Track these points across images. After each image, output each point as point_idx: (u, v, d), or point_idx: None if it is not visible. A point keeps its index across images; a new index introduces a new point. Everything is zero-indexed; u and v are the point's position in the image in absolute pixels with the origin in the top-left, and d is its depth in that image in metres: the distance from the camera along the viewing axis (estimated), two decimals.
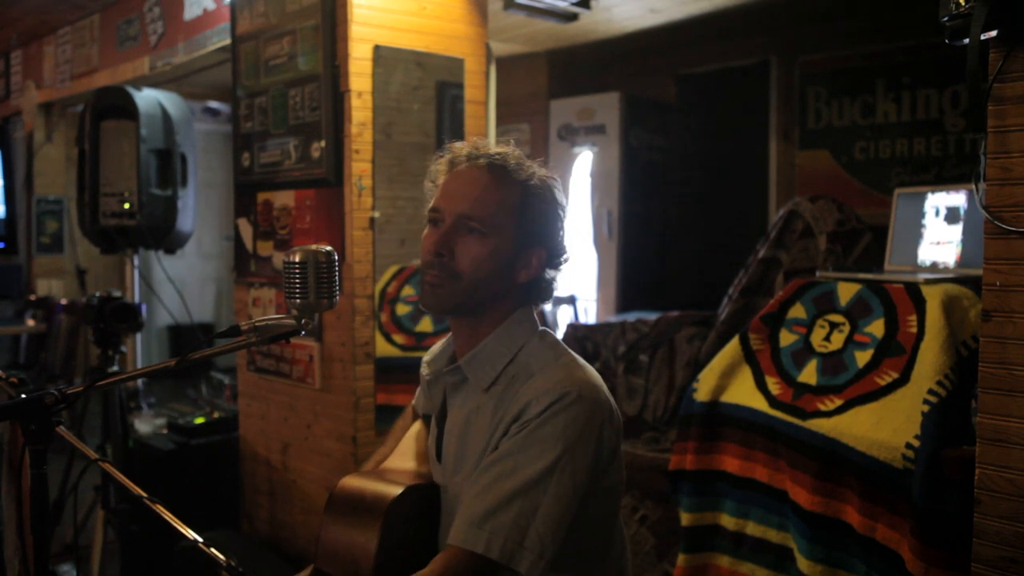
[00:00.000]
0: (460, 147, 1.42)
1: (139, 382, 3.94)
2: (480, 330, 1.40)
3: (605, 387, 1.37)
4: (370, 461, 1.64)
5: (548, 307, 5.12)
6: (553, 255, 1.41)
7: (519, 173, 1.37)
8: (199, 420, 3.49)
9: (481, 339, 1.39)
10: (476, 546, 1.21)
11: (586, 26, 4.74)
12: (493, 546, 1.21)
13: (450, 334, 1.48)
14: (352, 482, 1.43)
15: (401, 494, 1.38)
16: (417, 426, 1.63)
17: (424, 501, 1.45)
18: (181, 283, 3.92)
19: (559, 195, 1.41)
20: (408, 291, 3.04)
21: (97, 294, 3.11)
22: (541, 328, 1.44)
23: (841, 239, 2.72)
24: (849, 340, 2.13)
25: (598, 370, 1.43)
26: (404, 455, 1.57)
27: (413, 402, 1.69)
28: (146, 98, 3.45)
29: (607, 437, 1.32)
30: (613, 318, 4.26)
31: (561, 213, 1.42)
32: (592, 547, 1.37)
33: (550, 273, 1.43)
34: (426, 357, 1.58)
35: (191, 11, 4.14)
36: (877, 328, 2.08)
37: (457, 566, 1.22)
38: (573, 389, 1.28)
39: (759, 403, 2.19)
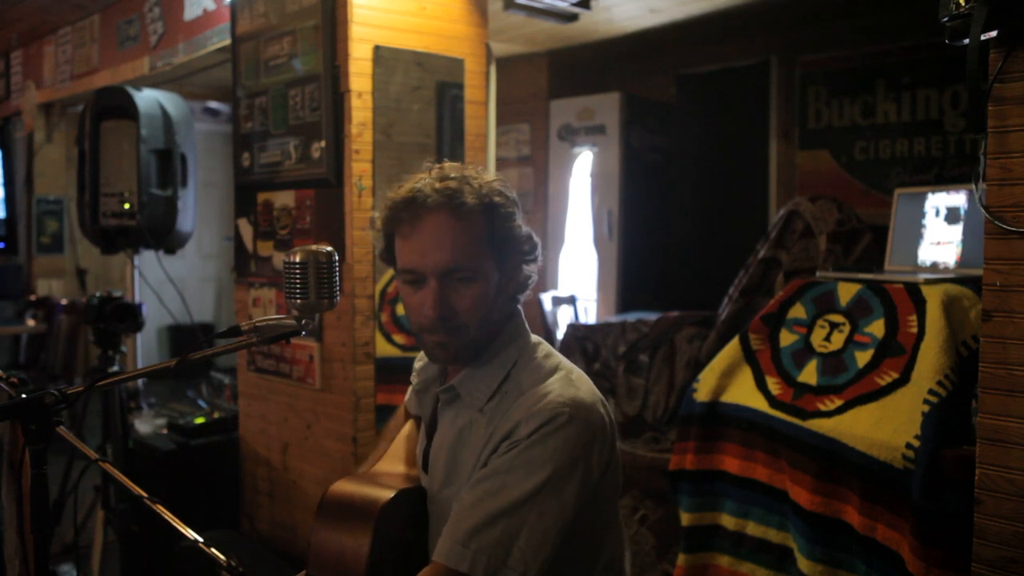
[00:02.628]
0: (401, 194, 1.34)
1: (139, 382, 3.94)
2: None
3: (599, 400, 1.34)
4: (364, 464, 1.63)
5: (548, 307, 5.12)
6: (527, 253, 1.40)
7: (473, 197, 1.31)
8: (199, 420, 3.49)
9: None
10: (460, 564, 1.20)
11: (586, 26, 4.74)
12: (477, 565, 1.20)
13: None
14: (342, 487, 1.42)
15: (392, 498, 1.37)
16: (408, 428, 1.62)
17: (415, 504, 1.44)
18: (181, 283, 3.91)
19: (510, 193, 1.38)
20: None
21: (97, 294, 3.11)
22: (534, 339, 1.42)
23: (841, 239, 2.72)
24: (849, 340, 2.13)
25: (598, 371, 1.42)
26: (394, 458, 1.57)
27: (404, 402, 1.68)
28: (146, 98, 3.44)
29: (598, 455, 1.30)
30: (613, 318, 4.26)
31: (518, 210, 1.38)
32: (583, 554, 1.35)
33: (528, 269, 1.41)
34: (417, 363, 1.57)
35: (191, 11, 4.14)
36: (877, 328, 2.09)
37: None
38: (564, 410, 1.26)
39: (759, 403, 2.19)
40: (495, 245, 1.34)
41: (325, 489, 1.43)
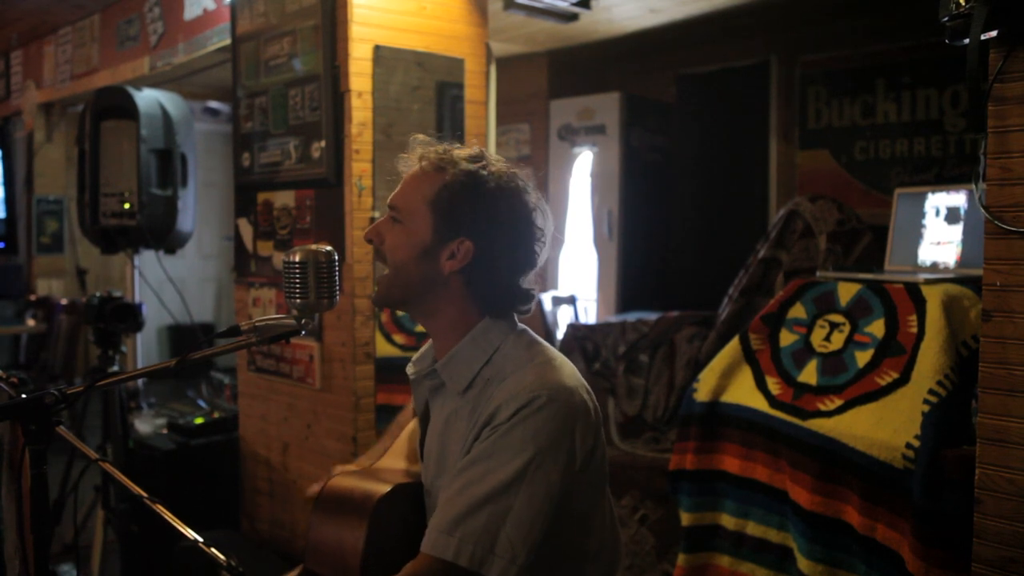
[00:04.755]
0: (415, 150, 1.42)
1: (139, 382, 3.94)
2: (444, 333, 1.38)
3: (582, 386, 1.33)
4: (364, 457, 1.64)
5: (548, 307, 5.12)
6: (488, 249, 1.33)
7: (450, 165, 1.35)
8: (199, 420, 3.49)
9: (453, 343, 1.37)
10: (445, 553, 1.20)
11: (586, 26, 4.74)
12: (463, 553, 1.20)
13: None
14: (341, 481, 1.43)
15: (389, 492, 1.38)
16: (412, 424, 1.63)
17: (413, 499, 1.45)
18: (181, 283, 3.91)
19: (505, 194, 1.34)
20: None
21: (97, 294, 3.11)
22: (520, 327, 1.40)
23: (841, 239, 2.72)
24: (849, 340, 2.13)
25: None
26: (397, 454, 1.58)
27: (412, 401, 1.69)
28: (146, 98, 3.44)
29: (581, 438, 1.28)
30: (613, 318, 4.26)
31: (504, 208, 1.34)
32: (568, 545, 1.35)
33: (500, 275, 1.35)
34: (414, 357, 1.58)
35: (191, 11, 4.14)
36: (877, 328, 2.09)
37: (426, 574, 1.21)
38: (543, 392, 1.26)
39: (759, 403, 2.19)
40: (441, 212, 1.34)
41: (324, 483, 1.43)
